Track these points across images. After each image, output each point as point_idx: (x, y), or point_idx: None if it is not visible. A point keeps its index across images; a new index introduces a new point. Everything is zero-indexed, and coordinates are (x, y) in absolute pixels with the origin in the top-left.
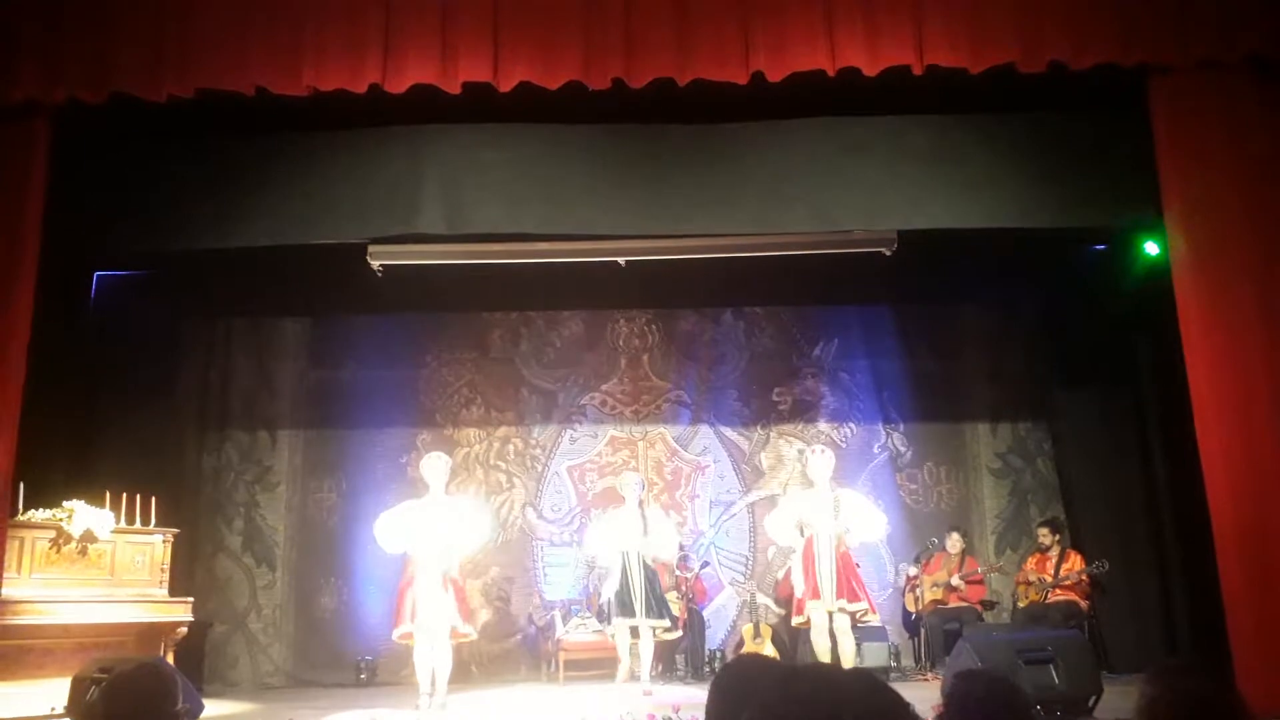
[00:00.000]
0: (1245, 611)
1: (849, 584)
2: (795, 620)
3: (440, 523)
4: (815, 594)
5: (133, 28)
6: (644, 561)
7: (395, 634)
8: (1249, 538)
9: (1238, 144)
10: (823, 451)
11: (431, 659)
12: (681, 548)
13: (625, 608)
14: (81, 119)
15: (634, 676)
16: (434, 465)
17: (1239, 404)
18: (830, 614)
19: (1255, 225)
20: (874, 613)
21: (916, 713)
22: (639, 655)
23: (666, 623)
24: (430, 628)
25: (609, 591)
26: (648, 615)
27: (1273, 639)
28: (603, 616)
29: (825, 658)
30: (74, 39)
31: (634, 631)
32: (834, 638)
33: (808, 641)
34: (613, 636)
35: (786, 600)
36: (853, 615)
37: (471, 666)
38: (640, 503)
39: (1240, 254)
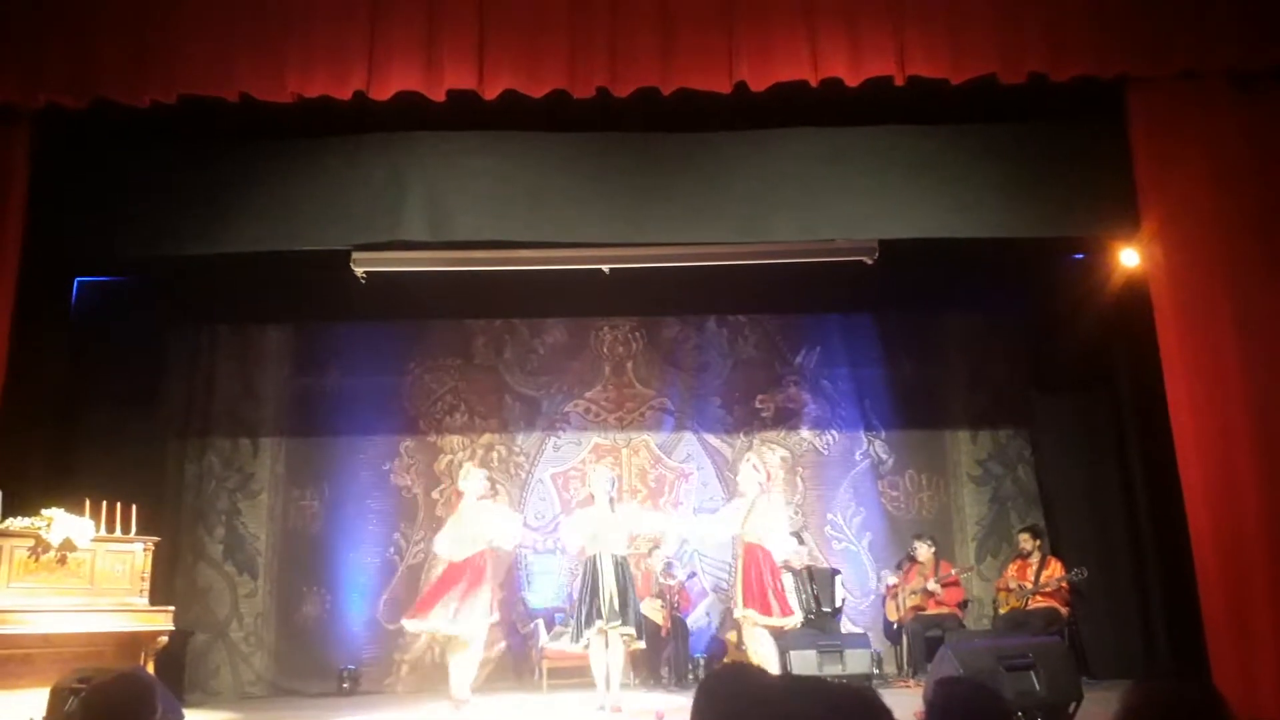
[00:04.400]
0: (1222, 617)
1: (761, 595)
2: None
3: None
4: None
5: (115, 32)
6: (617, 563)
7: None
8: (1226, 544)
9: (1215, 155)
10: (750, 462)
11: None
12: (666, 557)
13: (591, 615)
14: (63, 124)
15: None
16: (474, 476)
17: (1215, 411)
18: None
19: (1231, 236)
20: (787, 615)
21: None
22: (608, 665)
23: (631, 630)
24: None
25: (578, 597)
26: (610, 621)
27: (1249, 645)
28: (577, 632)
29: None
30: (55, 43)
31: (604, 640)
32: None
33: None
34: (585, 648)
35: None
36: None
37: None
38: (611, 500)
39: (1217, 264)
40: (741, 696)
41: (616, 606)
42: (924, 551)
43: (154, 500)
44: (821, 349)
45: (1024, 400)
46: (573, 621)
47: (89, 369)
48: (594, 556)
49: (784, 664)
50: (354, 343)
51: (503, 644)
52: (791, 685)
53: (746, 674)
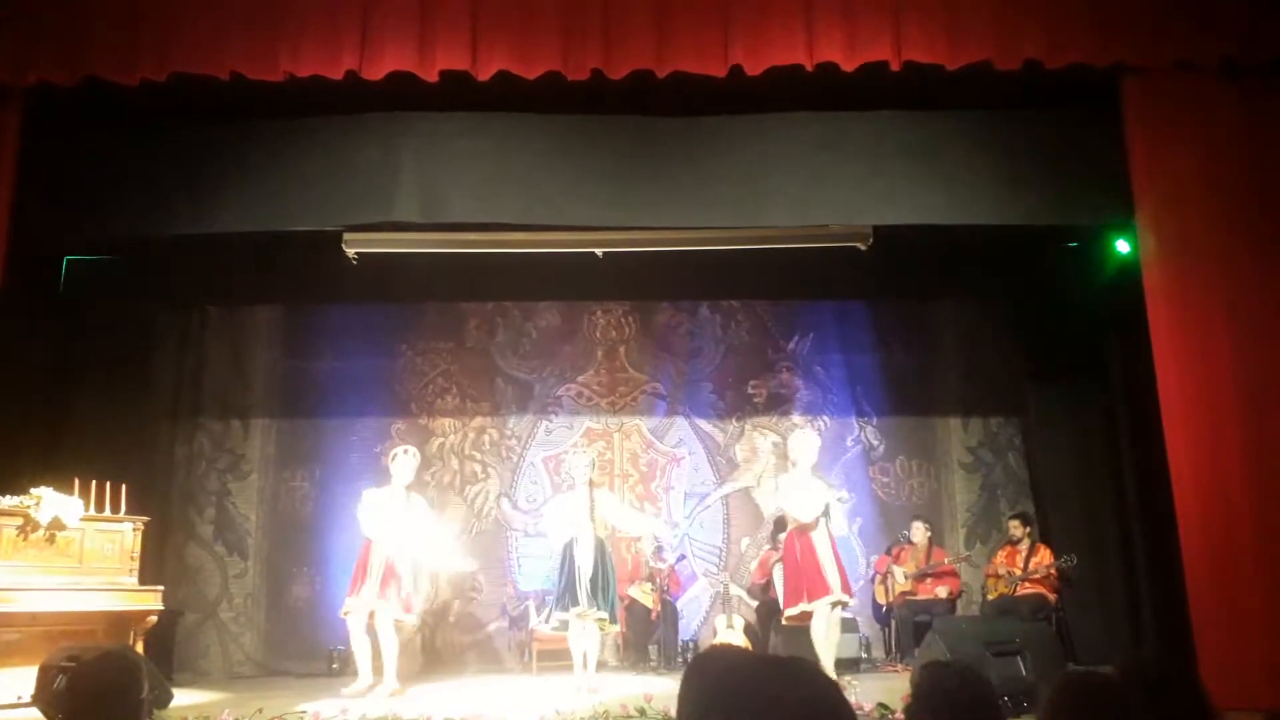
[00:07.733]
0: (1209, 605)
1: (845, 575)
2: (792, 612)
3: (397, 514)
4: (824, 589)
5: (106, 10)
6: (595, 548)
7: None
8: (1214, 532)
9: (1208, 145)
10: (805, 432)
11: (368, 642)
12: (656, 539)
13: (566, 600)
14: (53, 102)
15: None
16: (402, 460)
17: (1206, 400)
18: (831, 606)
19: (1224, 225)
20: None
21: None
22: (585, 649)
23: (605, 615)
24: (362, 610)
25: (556, 582)
26: (587, 607)
27: (1236, 632)
28: (549, 614)
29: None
30: (45, 20)
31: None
32: (824, 631)
33: (806, 636)
34: (555, 629)
35: (761, 590)
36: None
37: (443, 656)
38: (590, 483)
39: (1209, 253)
40: (727, 678)
41: (590, 592)
42: (920, 534)
43: (144, 480)
44: (814, 335)
45: (1015, 388)
46: (549, 602)
47: (79, 349)
48: (570, 541)
49: (773, 648)
50: (345, 324)
51: (492, 626)
52: (773, 667)
53: (733, 657)
